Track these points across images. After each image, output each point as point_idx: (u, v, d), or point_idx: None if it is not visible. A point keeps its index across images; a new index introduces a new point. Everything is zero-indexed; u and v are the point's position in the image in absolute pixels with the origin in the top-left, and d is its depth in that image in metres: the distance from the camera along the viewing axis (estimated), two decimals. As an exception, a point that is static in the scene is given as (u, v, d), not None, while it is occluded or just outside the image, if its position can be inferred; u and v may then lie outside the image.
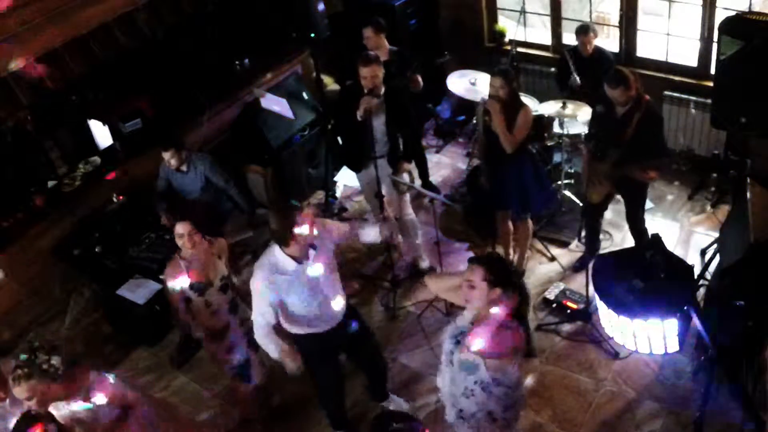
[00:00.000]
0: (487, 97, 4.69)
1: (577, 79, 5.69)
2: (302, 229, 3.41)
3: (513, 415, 3.23)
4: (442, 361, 3.31)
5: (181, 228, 3.88)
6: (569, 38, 6.11)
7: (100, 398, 3.22)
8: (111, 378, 3.31)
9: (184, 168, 5.18)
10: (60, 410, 3.19)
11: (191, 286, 3.91)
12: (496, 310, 2.94)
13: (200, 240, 3.91)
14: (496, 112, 4.51)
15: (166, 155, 5.06)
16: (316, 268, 3.58)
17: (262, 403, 4.50)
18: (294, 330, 3.77)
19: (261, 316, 3.61)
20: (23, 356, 3.11)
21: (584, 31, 5.68)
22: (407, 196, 5.28)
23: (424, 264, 5.50)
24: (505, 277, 2.96)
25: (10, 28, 4.74)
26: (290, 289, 3.56)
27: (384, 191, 4.94)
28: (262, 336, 3.66)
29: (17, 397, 3.17)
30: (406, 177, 5.13)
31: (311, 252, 3.56)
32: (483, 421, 3.15)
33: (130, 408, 3.38)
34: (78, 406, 3.21)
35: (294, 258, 3.51)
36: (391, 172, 5.02)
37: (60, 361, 3.17)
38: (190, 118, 5.92)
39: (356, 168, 5.18)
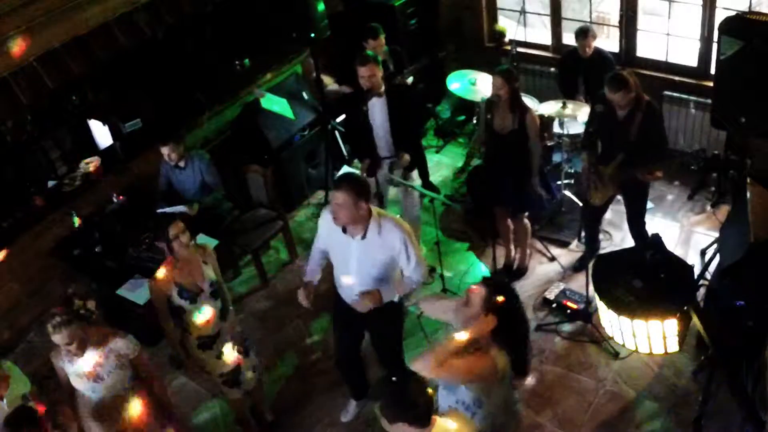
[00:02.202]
0: (488, 97, 4.70)
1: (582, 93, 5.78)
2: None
3: None
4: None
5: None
6: (569, 38, 6.11)
7: (118, 343, 3.48)
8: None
9: (182, 163, 5.18)
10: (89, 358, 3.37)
11: (180, 294, 3.79)
12: (476, 330, 2.83)
13: (187, 240, 3.77)
14: (534, 130, 4.53)
15: (165, 149, 5.05)
16: (353, 248, 3.64)
17: (256, 419, 4.48)
18: (335, 279, 3.93)
19: (314, 244, 3.93)
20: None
21: (583, 34, 5.67)
22: (415, 197, 5.24)
23: None
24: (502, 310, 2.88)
25: (10, 28, 4.73)
26: (329, 242, 3.79)
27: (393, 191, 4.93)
28: (310, 258, 3.97)
29: (58, 343, 3.29)
30: (414, 176, 5.11)
31: (358, 235, 3.59)
32: None
33: (149, 381, 3.61)
34: (103, 352, 3.42)
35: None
36: (390, 168, 5.01)
37: (95, 306, 3.25)
38: (190, 118, 5.92)
39: (370, 173, 5.03)
